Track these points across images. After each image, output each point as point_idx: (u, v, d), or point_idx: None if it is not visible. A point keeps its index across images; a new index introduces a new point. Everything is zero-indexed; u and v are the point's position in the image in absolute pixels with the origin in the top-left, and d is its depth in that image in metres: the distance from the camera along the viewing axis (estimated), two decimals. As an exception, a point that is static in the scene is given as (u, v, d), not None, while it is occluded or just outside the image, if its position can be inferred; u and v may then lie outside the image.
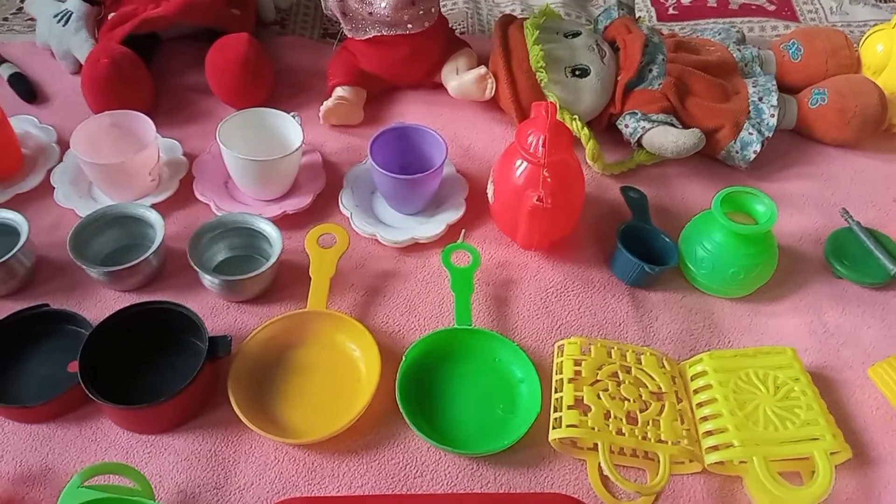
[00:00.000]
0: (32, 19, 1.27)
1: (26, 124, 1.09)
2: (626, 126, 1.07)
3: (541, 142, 0.87)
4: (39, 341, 0.84)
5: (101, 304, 0.89)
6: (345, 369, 0.84)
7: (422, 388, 0.81)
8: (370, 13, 1.08)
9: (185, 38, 1.26)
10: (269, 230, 0.92)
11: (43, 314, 0.85)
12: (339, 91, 1.13)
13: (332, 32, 1.33)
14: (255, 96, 1.12)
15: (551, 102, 0.90)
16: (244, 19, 1.22)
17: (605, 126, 1.13)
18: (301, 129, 1.00)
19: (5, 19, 1.32)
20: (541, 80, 1.06)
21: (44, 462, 0.75)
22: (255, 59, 1.11)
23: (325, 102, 1.12)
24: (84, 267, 0.88)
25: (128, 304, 0.83)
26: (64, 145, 1.06)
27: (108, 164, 0.95)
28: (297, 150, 0.98)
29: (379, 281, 0.94)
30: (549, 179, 0.86)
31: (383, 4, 1.07)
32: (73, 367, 0.77)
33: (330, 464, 0.77)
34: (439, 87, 1.19)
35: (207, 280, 0.89)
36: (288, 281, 0.92)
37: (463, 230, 0.98)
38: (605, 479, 0.76)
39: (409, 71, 1.17)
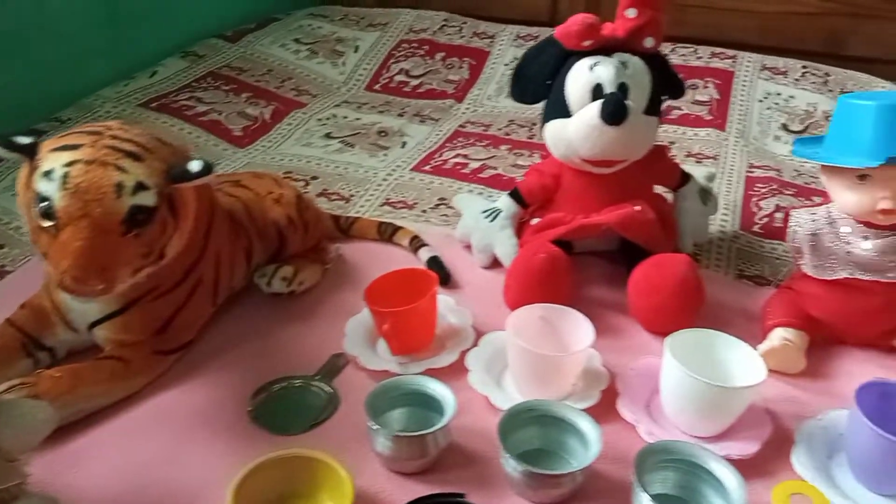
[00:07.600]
0: (448, 213, 1.33)
1: (441, 305, 1.08)
2: None
3: None
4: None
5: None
6: None
7: None
8: (847, 252, 0.95)
9: (593, 253, 1.22)
10: (727, 475, 0.75)
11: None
12: (781, 332, 0.98)
13: (747, 274, 1.22)
14: (682, 321, 1.01)
15: None
16: (667, 245, 1.15)
17: None
18: (764, 367, 0.85)
19: (423, 211, 1.40)
20: None
21: None
22: (693, 281, 1.02)
23: (765, 342, 0.97)
24: (512, 463, 0.76)
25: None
26: (476, 330, 1.02)
27: (551, 355, 0.86)
28: (755, 384, 0.82)
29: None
30: None
31: (868, 246, 0.93)
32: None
33: None
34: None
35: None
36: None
37: None
38: None
39: (872, 325, 0.99)
